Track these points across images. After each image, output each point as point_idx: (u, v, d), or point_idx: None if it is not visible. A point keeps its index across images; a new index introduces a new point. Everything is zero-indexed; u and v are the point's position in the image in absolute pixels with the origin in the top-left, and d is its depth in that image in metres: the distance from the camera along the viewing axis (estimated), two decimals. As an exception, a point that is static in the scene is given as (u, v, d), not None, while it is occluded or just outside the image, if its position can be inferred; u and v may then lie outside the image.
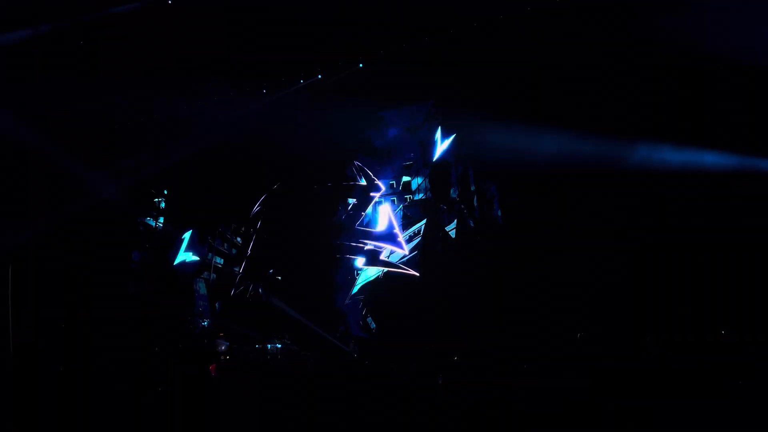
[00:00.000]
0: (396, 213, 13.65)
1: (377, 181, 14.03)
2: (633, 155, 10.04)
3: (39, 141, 11.24)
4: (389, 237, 13.46)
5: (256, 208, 14.42)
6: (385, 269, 13.19)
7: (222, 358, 6.17)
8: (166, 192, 14.09)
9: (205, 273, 13.66)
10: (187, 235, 13.48)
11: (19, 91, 10.95)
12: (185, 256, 13.39)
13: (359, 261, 13.58)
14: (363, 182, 14.14)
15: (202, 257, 13.67)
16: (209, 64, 12.02)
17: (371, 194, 14.03)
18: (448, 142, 12.96)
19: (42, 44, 10.75)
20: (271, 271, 13.73)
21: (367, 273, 13.44)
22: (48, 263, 11.06)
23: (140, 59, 11.25)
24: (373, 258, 13.45)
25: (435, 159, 13.14)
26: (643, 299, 9.72)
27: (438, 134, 13.12)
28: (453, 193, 12.86)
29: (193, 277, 13.44)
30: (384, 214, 13.77)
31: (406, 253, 13.11)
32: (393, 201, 13.75)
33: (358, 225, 13.81)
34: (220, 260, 13.92)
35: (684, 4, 8.77)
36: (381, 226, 13.71)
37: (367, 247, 13.60)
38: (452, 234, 12.64)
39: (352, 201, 14.11)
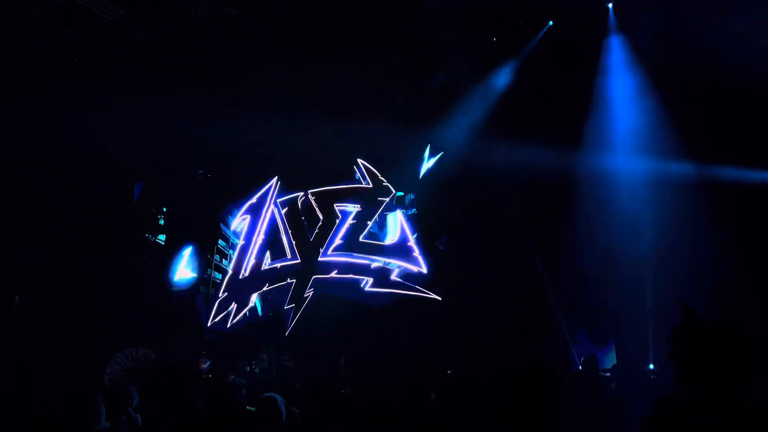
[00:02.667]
0: (382, 229, 12.47)
1: (386, 183, 12.41)
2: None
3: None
4: (402, 252, 11.90)
5: (240, 217, 13.55)
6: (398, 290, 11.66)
7: (205, 376, 6.22)
8: (165, 209, 14.28)
9: (203, 288, 13.48)
10: (186, 251, 13.33)
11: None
12: (185, 271, 13.26)
13: (365, 282, 12.03)
14: (369, 184, 12.56)
15: (201, 273, 13.38)
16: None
17: (379, 199, 12.39)
18: (434, 159, 12.10)
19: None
20: (256, 290, 12.86)
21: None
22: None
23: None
24: (381, 278, 11.91)
25: (423, 175, 12.23)
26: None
27: (426, 152, 12.21)
28: (443, 208, 12.03)
29: (193, 292, 13.38)
30: (395, 224, 12.21)
31: (424, 271, 11.60)
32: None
33: (363, 237, 12.28)
34: (219, 276, 13.53)
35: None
36: (391, 238, 12.18)
37: (374, 265, 12.08)
38: (442, 247, 12.02)
39: (355, 207, 12.56)
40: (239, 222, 13.55)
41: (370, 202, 12.48)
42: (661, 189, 9.37)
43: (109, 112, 11.56)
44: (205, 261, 13.45)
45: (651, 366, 9.33)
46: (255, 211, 13.43)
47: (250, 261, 13.10)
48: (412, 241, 11.85)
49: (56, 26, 10.96)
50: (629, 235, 9.53)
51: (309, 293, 12.46)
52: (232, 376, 9.01)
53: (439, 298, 11.31)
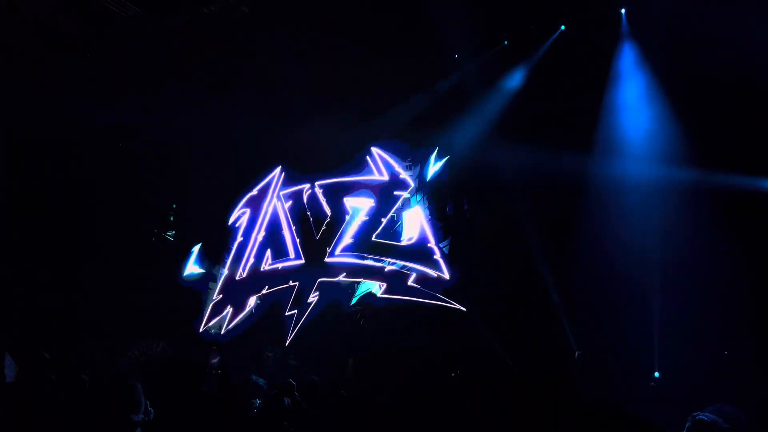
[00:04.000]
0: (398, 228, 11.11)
1: (403, 175, 11.10)
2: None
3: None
4: (421, 254, 10.65)
5: (239, 211, 12.62)
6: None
7: (214, 372, 6.31)
8: (174, 206, 14.16)
9: (211, 284, 12.80)
10: (196, 249, 13.00)
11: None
12: (193, 268, 12.91)
13: (377, 287, 10.87)
14: (383, 176, 11.33)
15: (209, 270, 12.84)
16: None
17: (395, 193, 11.14)
18: (441, 163, 10.89)
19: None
20: (255, 293, 11.96)
21: (368, 283, 11.08)
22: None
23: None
24: (396, 283, 10.66)
25: (430, 178, 10.94)
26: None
27: (433, 155, 10.94)
28: (450, 211, 10.86)
29: (202, 289, 12.91)
30: (413, 222, 10.91)
31: (447, 277, 10.27)
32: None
33: (376, 236, 11.09)
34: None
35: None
36: (408, 238, 10.89)
37: (388, 268, 10.86)
38: (446, 250, 10.73)
39: (368, 202, 11.39)
40: (238, 216, 12.63)
41: (385, 197, 11.21)
42: (671, 195, 9.27)
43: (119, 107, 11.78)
44: (214, 257, 12.94)
45: (656, 374, 9.28)
46: (255, 205, 12.43)
47: (249, 260, 12.17)
48: (432, 243, 10.61)
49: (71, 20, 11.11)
50: (638, 240, 9.45)
51: (313, 298, 11.45)
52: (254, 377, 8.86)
53: (464, 309, 10.13)
